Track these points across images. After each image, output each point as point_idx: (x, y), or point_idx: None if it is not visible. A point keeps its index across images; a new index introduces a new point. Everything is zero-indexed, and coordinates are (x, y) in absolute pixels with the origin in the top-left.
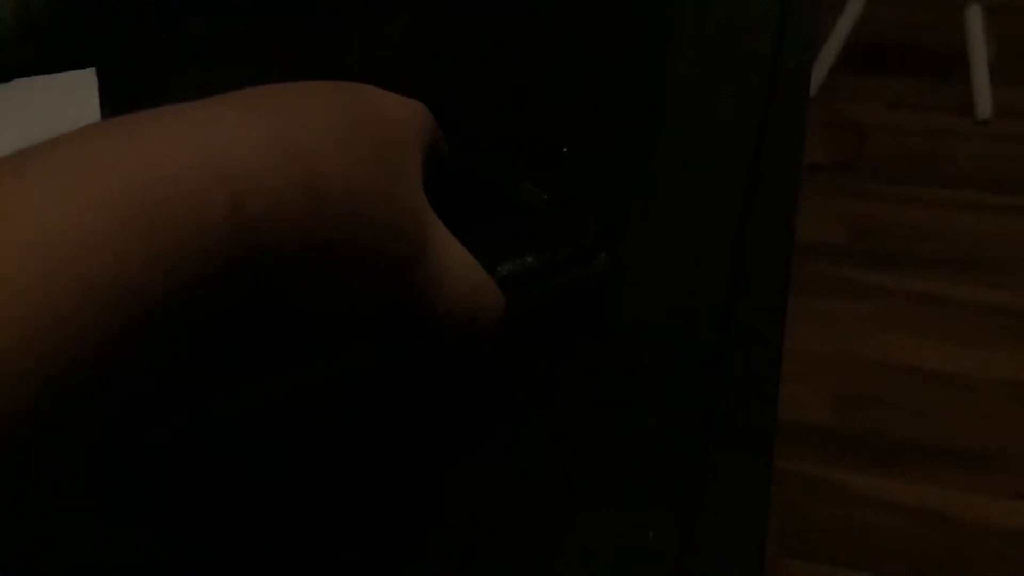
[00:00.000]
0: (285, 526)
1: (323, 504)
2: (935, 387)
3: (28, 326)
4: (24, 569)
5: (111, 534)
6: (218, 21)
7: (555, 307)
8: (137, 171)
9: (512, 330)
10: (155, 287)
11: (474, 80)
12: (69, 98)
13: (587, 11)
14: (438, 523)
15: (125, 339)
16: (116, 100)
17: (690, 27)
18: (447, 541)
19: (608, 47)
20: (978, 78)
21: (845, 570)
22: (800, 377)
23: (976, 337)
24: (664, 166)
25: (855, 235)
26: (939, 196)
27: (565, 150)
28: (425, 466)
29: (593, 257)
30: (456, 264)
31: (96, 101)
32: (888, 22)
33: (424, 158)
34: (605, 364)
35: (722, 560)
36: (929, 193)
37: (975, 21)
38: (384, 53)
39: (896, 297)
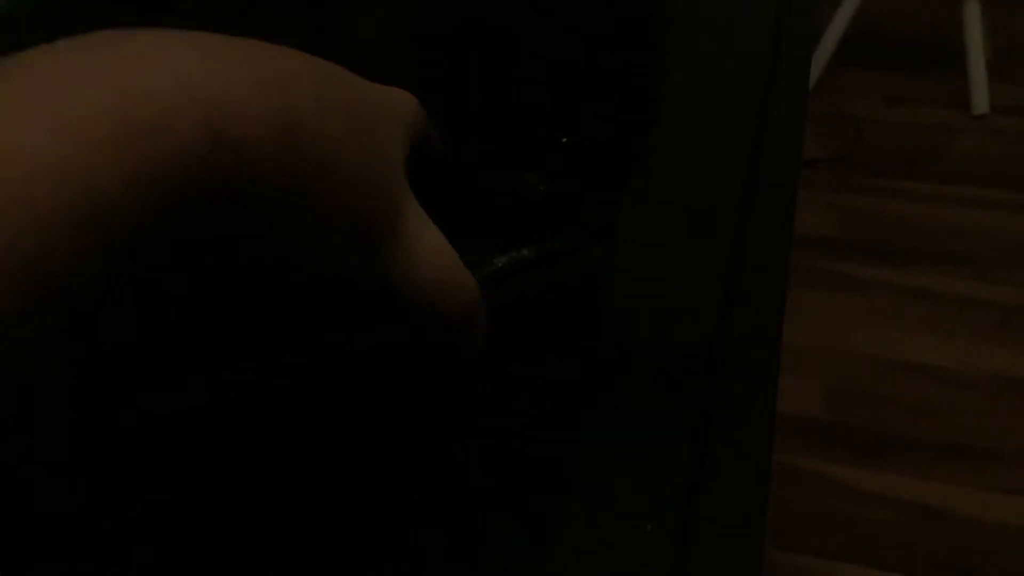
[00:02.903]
0: (273, 521)
1: (313, 501)
2: (929, 381)
3: (5, 231)
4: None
5: (94, 515)
6: (210, 11)
7: (550, 299)
8: (111, 89)
9: (507, 321)
10: (129, 204)
11: (469, 70)
12: None
13: (585, 1)
14: (434, 519)
15: (102, 256)
16: None
17: (689, 19)
18: (443, 538)
19: (606, 37)
20: (975, 73)
21: (838, 564)
22: (794, 370)
23: (970, 332)
24: (662, 159)
25: (849, 229)
26: (935, 191)
27: (564, 140)
28: (408, 457)
29: (589, 249)
30: (428, 249)
31: None
32: (885, 16)
33: (409, 144)
34: (603, 358)
35: (721, 554)
36: (925, 188)
37: (973, 16)
38: (379, 43)
39: (890, 291)
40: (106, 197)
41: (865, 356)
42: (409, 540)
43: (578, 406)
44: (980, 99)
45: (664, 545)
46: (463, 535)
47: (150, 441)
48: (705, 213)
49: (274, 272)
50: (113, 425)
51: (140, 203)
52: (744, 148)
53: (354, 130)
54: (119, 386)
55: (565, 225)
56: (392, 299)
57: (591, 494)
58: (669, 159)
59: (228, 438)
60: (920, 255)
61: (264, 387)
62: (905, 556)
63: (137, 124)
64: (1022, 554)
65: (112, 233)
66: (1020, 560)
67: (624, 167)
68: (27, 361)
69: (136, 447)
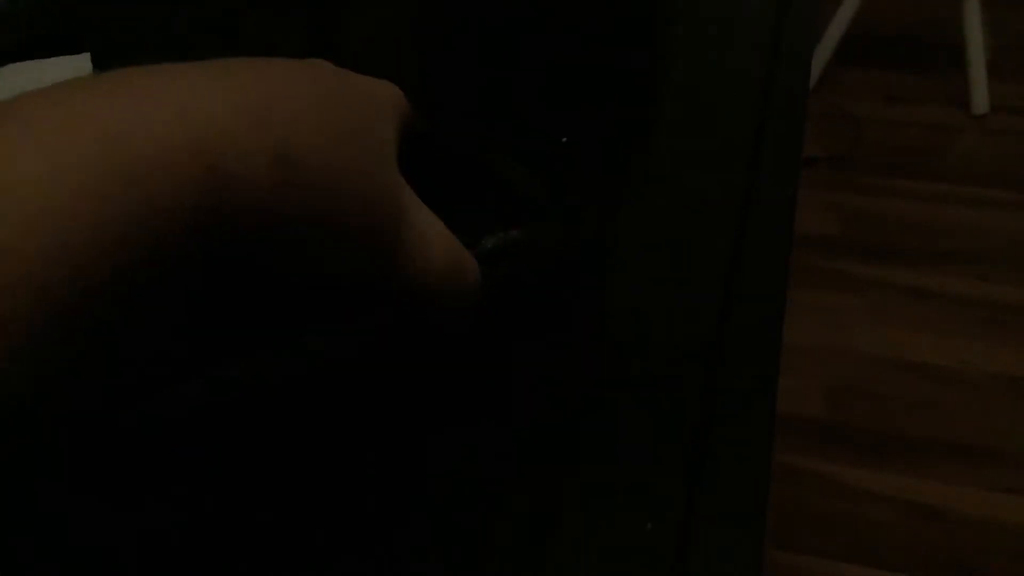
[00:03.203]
0: (272, 521)
1: (312, 502)
2: (928, 380)
3: (20, 255)
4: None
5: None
6: (211, 10)
7: (540, 281)
8: (112, 126)
9: (500, 303)
10: (128, 246)
11: (469, 68)
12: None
13: (585, 0)
14: (434, 519)
15: (106, 293)
16: None
17: (689, 19)
18: (443, 538)
19: (606, 37)
20: (975, 72)
21: (838, 563)
22: (793, 369)
23: (970, 331)
24: (663, 158)
25: (849, 228)
26: (934, 190)
27: (564, 140)
28: (411, 446)
29: (579, 234)
30: (433, 237)
31: None
32: (885, 15)
33: (398, 135)
34: (603, 357)
35: (721, 553)
36: (924, 187)
37: (973, 15)
38: (378, 41)
39: (890, 291)
40: (103, 240)
41: (865, 355)
42: (409, 540)
43: (578, 405)
44: (980, 98)
45: (664, 544)
46: (463, 535)
47: (155, 442)
48: (705, 212)
49: (285, 286)
50: (119, 427)
51: (138, 244)
52: (744, 147)
53: (354, 144)
54: (127, 388)
55: (554, 208)
56: (404, 287)
57: (591, 493)
58: (669, 158)
59: (232, 439)
60: (920, 254)
61: (272, 378)
62: (905, 556)
63: (129, 168)
64: (1022, 554)
65: (114, 270)
66: (1020, 560)
67: (626, 165)
68: (30, 390)
69: (142, 448)
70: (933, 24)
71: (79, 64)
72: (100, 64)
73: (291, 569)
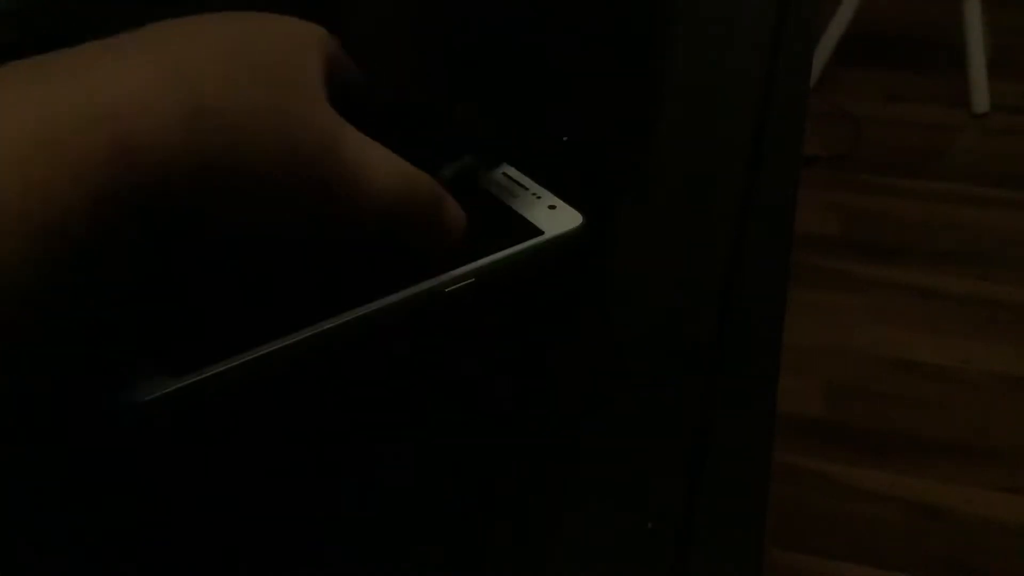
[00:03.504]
0: (269, 522)
1: (310, 502)
2: (928, 380)
3: None
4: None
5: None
6: (211, 7)
7: (534, 284)
8: (32, 113)
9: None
10: (54, 204)
11: (469, 68)
12: None
13: (586, 3)
14: (433, 519)
15: (40, 248)
16: None
17: (689, 18)
18: (443, 538)
19: (606, 37)
20: (975, 71)
21: (838, 562)
22: (793, 369)
23: (970, 330)
24: (663, 157)
25: (849, 227)
26: (935, 189)
27: (564, 139)
28: (408, 445)
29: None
30: (374, 160)
31: None
32: (886, 14)
33: (324, 69)
34: (603, 357)
35: (721, 553)
36: (925, 186)
37: (973, 14)
38: (378, 41)
39: (890, 290)
40: (31, 207)
41: (865, 355)
42: (409, 540)
43: (579, 405)
44: (980, 97)
45: (665, 544)
46: (463, 535)
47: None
48: (705, 211)
49: (236, 233)
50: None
51: (62, 211)
52: (744, 146)
53: (268, 84)
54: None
55: (495, 135)
56: (357, 213)
57: (592, 493)
58: (669, 158)
59: (224, 433)
60: (920, 254)
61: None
62: (905, 555)
63: (51, 142)
64: (1022, 553)
65: (42, 233)
66: (1020, 559)
67: (626, 164)
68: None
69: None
70: (933, 23)
71: None
72: None
73: (289, 569)
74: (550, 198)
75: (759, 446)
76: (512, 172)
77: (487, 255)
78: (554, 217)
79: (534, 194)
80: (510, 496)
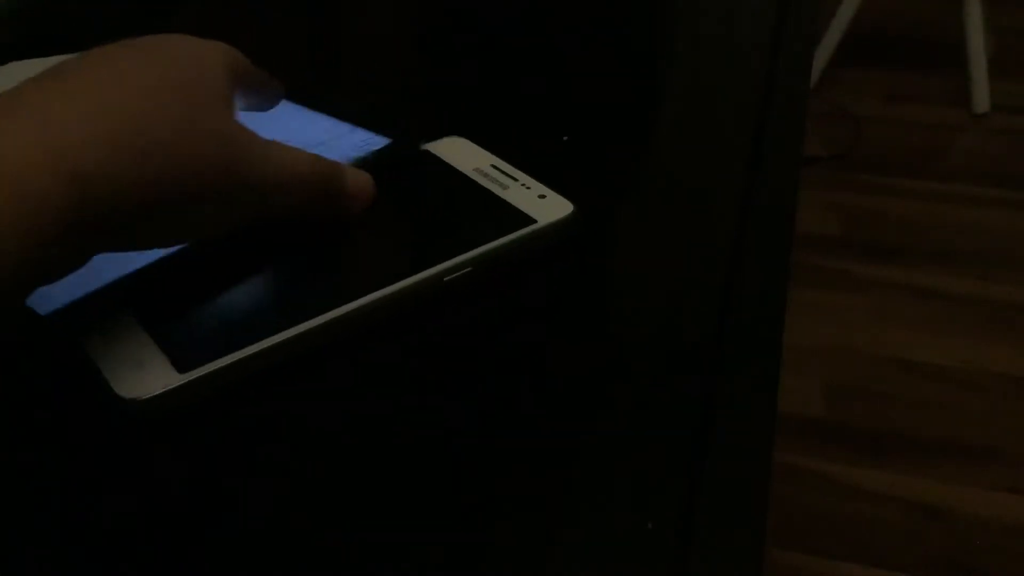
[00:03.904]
0: (268, 522)
1: (309, 503)
2: (929, 380)
3: None
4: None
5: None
6: (212, 9)
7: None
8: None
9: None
10: (10, 240)
11: (469, 67)
12: None
13: (587, 2)
14: (434, 519)
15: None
16: None
17: (690, 18)
18: (443, 538)
19: (606, 36)
20: (976, 71)
21: (838, 562)
22: (794, 369)
23: (971, 331)
24: (664, 157)
25: (850, 227)
26: (935, 189)
27: (565, 138)
28: (409, 447)
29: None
30: (271, 155)
31: None
32: (886, 15)
33: (235, 86)
34: (604, 357)
35: (722, 553)
36: (925, 186)
37: (974, 14)
38: (379, 41)
39: (890, 290)
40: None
41: (865, 355)
42: (409, 540)
43: (579, 404)
44: (981, 97)
45: (665, 544)
46: (463, 535)
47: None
48: (706, 211)
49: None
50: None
51: (20, 246)
52: (745, 146)
53: (190, 106)
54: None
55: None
56: (272, 200)
57: (592, 493)
58: (670, 157)
59: (224, 437)
60: (921, 254)
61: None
62: (905, 555)
63: (8, 179)
64: (1023, 553)
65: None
66: (1021, 560)
67: (626, 164)
68: None
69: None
70: (934, 23)
71: None
72: None
73: (289, 567)
74: (540, 188)
75: (760, 446)
76: (501, 164)
77: (483, 244)
78: (545, 206)
79: (523, 184)
80: (510, 496)
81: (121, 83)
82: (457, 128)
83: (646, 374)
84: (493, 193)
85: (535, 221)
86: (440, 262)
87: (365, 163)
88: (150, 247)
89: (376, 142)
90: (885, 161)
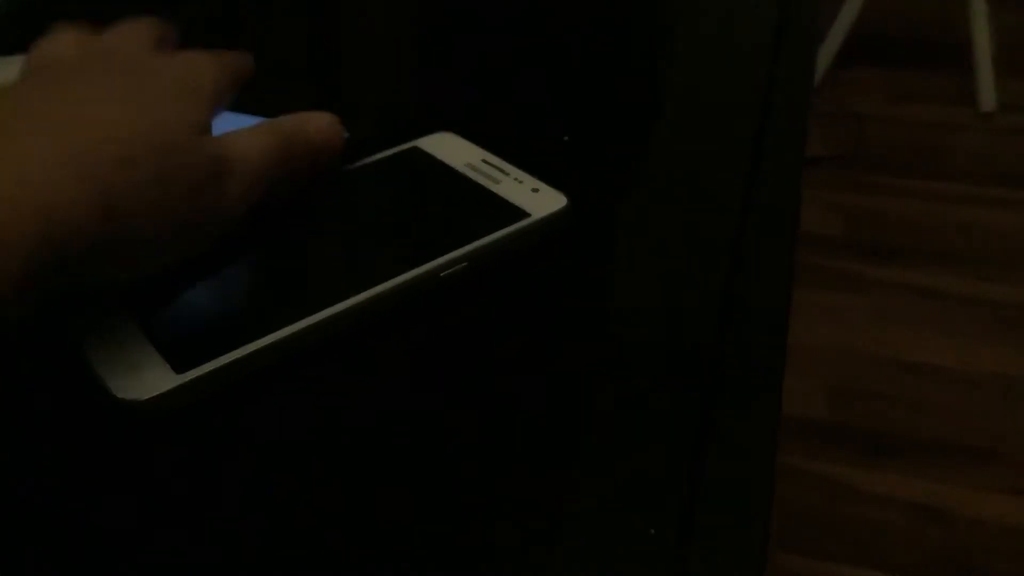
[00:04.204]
0: (268, 522)
1: (308, 502)
2: (933, 381)
3: None
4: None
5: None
6: (213, 10)
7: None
8: None
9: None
10: None
11: (470, 66)
12: None
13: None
14: (434, 521)
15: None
16: None
17: (692, 17)
18: (444, 541)
19: (607, 36)
20: (981, 70)
21: (840, 564)
22: (796, 370)
23: (975, 332)
24: (665, 157)
25: (854, 228)
26: (940, 189)
27: (566, 138)
28: (407, 448)
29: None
30: (235, 144)
31: None
32: (890, 13)
33: (213, 102)
34: (605, 359)
35: (724, 555)
36: (930, 186)
37: (979, 12)
38: (378, 40)
39: (894, 290)
40: None
41: (868, 356)
42: (408, 541)
43: (579, 406)
44: (987, 96)
45: (667, 547)
46: (463, 537)
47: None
48: (708, 211)
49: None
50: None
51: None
52: (747, 146)
53: (159, 161)
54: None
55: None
56: (253, 189)
57: (593, 496)
58: (672, 157)
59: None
60: (925, 254)
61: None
62: (907, 556)
63: None
64: None
65: None
66: (1022, 561)
67: (628, 165)
68: None
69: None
70: (938, 22)
71: None
72: None
73: (288, 566)
74: (532, 181)
75: (762, 448)
76: (492, 158)
77: (478, 239)
78: (539, 199)
79: (515, 178)
80: (510, 498)
81: (93, 127)
82: (455, 127)
83: (647, 375)
84: (486, 188)
85: (529, 215)
86: (436, 258)
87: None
88: (130, 275)
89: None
90: (888, 161)
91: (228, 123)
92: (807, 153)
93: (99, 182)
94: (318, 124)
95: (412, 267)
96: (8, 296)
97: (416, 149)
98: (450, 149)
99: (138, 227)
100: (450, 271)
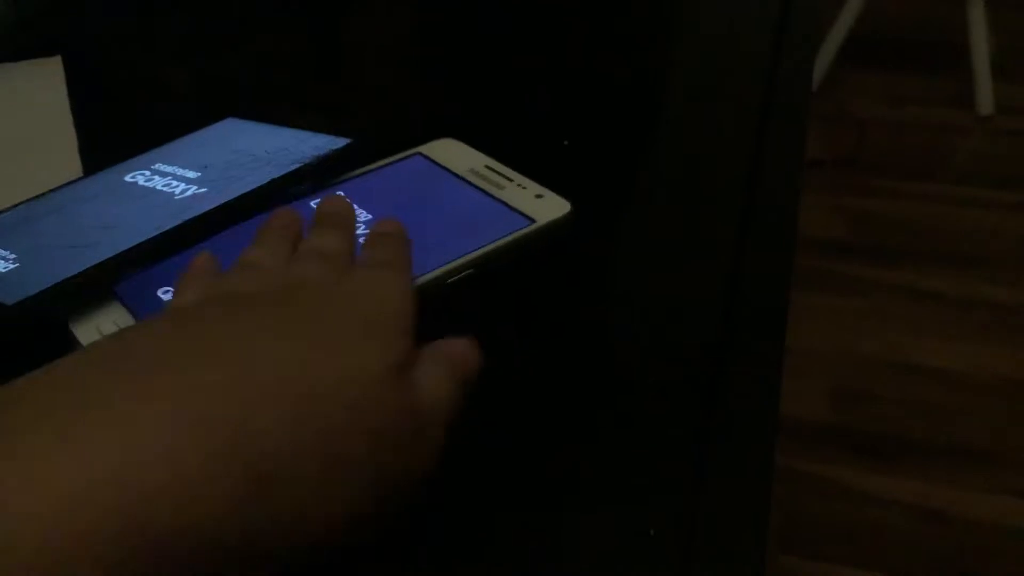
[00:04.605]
0: None
1: None
2: (934, 383)
3: None
4: None
5: None
6: (213, 10)
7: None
8: (107, 467)
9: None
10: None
11: (470, 71)
12: (36, 84)
13: (587, 4)
14: (435, 524)
15: None
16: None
17: (692, 20)
18: (444, 543)
19: (608, 40)
20: (980, 73)
21: (841, 567)
22: (798, 373)
23: (976, 334)
24: (666, 160)
25: (855, 231)
26: (939, 192)
27: (566, 143)
28: None
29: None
30: (435, 376)
31: (63, 87)
32: (889, 17)
33: (407, 339)
34: (606, 361)
35: (724, 558)
36: (929, 189)
37: (977, 16)
38: (379, 42)
39: (895, 293)
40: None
41: (870, 358)
42: (409, 544)
43: (580, 409)
44: (985, 99)
45: (667, 549)
46: (464, 540)
47: None
48: (708, 215)
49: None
50: None
51: None
52: (747, 149)
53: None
54: None
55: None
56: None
57: (594, 498)
58: (672, 160)
59: None
60: (925, 256)
61: None
62: (908, 559)
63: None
64: None
65: None
66: (1022, 563)
67: (628, 169)
68: None
69: None
70: (937, 25)
71: (51, 67)
72: (73, 67)
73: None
74: (536, 187)
75: (761, 450)
76: (495, 164)
77: (483, 246)
78: (543, 205)
79: (519, 184)
80: (510, 501)
81: (257, 401)
82: (456, 133)
83: (649, 378)
84: (490, 194)
85: (534, 220)
86: (442, 264)
87: (364, 173)
88: None
89: (336, 143)
90: (889, 164)
91: (237, 131)
92: (808, 157)
93: (243, 466)
94: (465, 354)
95: (419, 274)
96: None
97: (420, 155)
98: (454, 155)
99: (276, 530)
100: (456, 277)
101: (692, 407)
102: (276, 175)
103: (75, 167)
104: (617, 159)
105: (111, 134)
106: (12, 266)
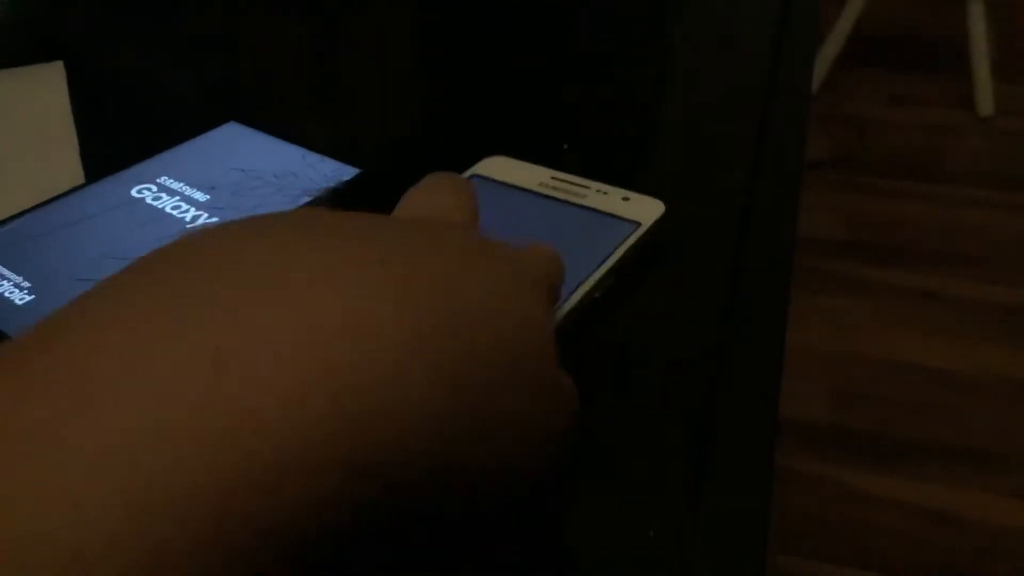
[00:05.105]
0: None
1: None
2: (935, 384)
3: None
4: None
5: None
6: (213, 9)
7: None
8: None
9: None
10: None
11: (469, 73)
12: (38, 89)
13: (586, 5)
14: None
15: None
16: (92, 92)
17: (692, 21)
18: (444, 544)
19: (607, 41)
20: (980, 74)
21: (845, 568)
22: (799, 374)
23: (977, 334)
24: (666, 161)
25: (855, 231)
26: (940, 192)
27: (565, 146)
28: None
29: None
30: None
31: (65, 92)
32: (890, 18)
33: (550, 301)
34: (605, 362)
35: (724, 558)
36: (930, 189)
37: (977, 16)
38: (378, 43)
39: (896, 293)
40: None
41: (871, 359)
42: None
43: (580, 408)
44: (985, 100)
45: (667, 550)
46: (464, 538)
47: None
48: (708, 216)
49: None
50: None
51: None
52: (747, 150)
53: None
54: None
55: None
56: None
57: (593, 499)
58: (672, 162)
59: None
60: (925, 256)
61: None
62: (909, 560)
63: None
64: None
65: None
66: None
67: (628, 171)
68: None
69: None
70: (937, 26)
71: (52, 72)
72: (75, 69)
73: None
74: (619, 191)
75: (761, 451)
76: (560, 174)
77: (609, 255)
78: (638, 208)
79: (599, 191)
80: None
81: (450, 329)
82: (457, 138)
83: (648, 379)
84: (579, 204)
85: (639, 223)
86: (585, 280)
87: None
88: None
89: (346, 172)
90: (889, 164)
91: (240, 139)
92: (808, 157)
93: (448, 383)
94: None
95: (568, 291)
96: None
97: (478, 177)
98: (514, 172)
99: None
100: (601, 291)
101: (692, 407)
102: (287, 206)
103: (77, 172)
104: (617, 159)
105: (113, 139)
106: (28, 298)
